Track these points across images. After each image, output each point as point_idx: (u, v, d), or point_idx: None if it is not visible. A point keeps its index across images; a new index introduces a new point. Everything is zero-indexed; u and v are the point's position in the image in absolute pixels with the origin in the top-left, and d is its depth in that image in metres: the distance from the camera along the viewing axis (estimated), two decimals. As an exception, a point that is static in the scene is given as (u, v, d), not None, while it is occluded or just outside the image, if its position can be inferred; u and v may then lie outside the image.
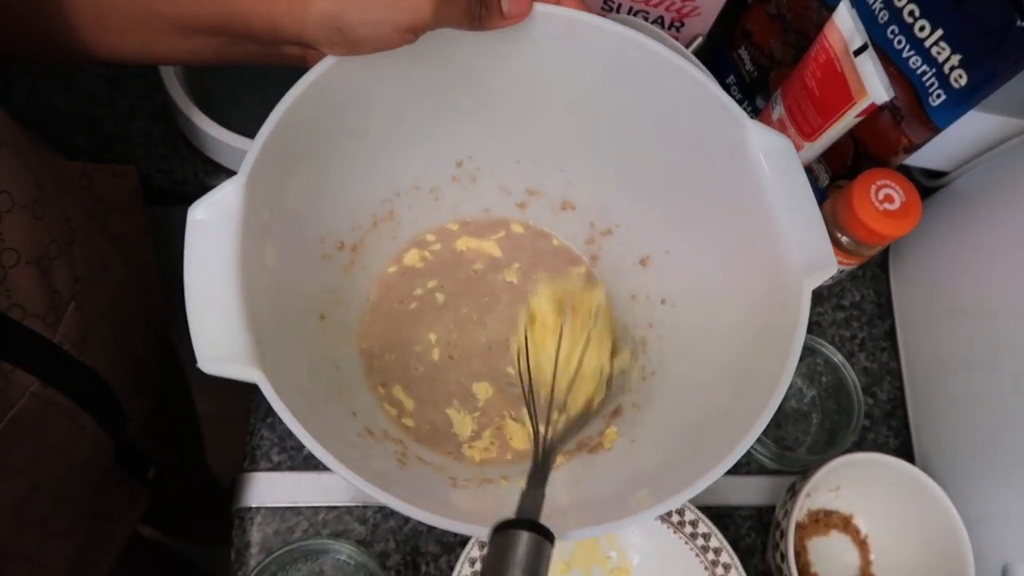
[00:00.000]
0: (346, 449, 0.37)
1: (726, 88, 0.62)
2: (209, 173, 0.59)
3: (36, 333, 0.38)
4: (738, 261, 0.43)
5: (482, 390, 0.49)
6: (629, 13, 0.57)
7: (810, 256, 0.38)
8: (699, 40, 0.57)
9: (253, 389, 0.34)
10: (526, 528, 0.28)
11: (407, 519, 0.51)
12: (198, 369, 0.34)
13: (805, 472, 0.50)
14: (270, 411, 0.52)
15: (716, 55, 0.62)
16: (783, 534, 0.48)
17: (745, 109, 0.49)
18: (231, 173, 0.59)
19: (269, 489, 0.50)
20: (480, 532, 0.32)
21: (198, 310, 0.34)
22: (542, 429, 0.40)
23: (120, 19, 0.38)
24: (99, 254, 0.45)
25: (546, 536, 0.28)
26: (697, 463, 0.38)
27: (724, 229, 0.44)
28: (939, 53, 0.46)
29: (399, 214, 0.51)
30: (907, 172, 0.60)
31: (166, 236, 0.54)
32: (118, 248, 0.49)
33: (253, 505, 0.50)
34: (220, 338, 0.34)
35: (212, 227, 0.36)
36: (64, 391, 0.40)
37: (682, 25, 0.57)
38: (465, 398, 0.49)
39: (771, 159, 0.40)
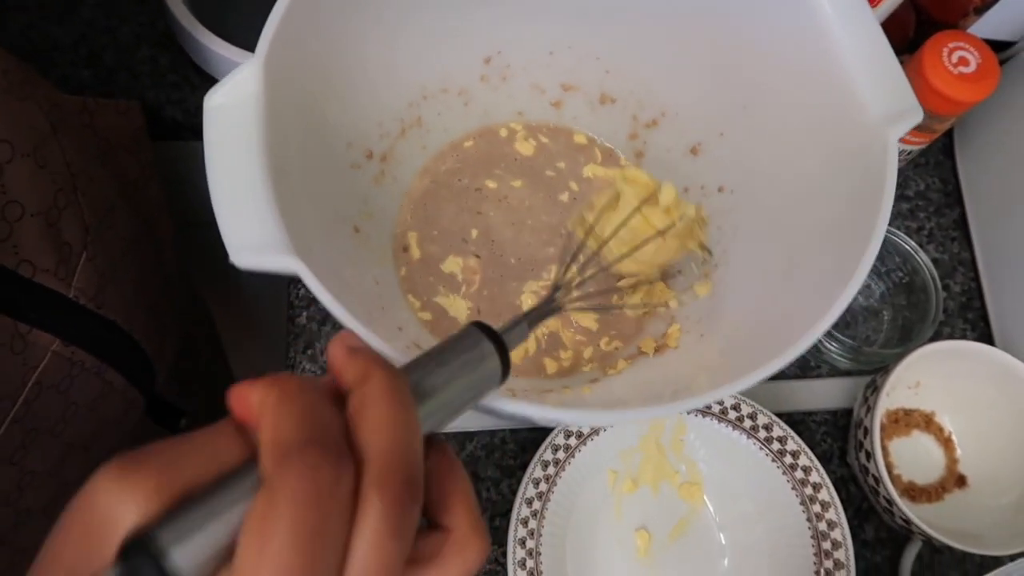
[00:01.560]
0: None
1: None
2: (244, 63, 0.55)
3: (50, 289, 0.35)
4: (805, 125, 0.39)
5: (530, 303, 0.46)
6: None
7: (891, 103, 0.34)
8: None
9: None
10: (488, 336, 0.25)
11: (463, 445, 0.48)
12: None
13: (885, 367, 0.46)
14: (310, 342, 0.49)
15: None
16: (867, 432, 0.44)
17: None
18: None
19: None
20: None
21: (224, 198, 0.31)
22: (567, 272, 0.37)
23: None
24: (105, 198, 0.42)
25: (501, 355, 0.25)
26: (765, 351, 0.34)
27: (786, 92, 0.40)
28: None
29: (427, 120, 0.48)
30: (970, 47, 0.55)
31: (184, 174, 0.50)
32: (124, 190, 0.46)
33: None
34: (252, 226, 0.31)
35: (232, 112, 0.32)
36: (86, 347, 0.38)
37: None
38: (515, 311, 0.46)
39: (839, 5, 0.36)
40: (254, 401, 0.19)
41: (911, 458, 0.49)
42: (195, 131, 0.56)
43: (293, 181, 0.36)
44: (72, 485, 0.24)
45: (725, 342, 0.39)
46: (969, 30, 0.52)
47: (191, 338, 0.57)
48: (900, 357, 0.45)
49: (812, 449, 0.49)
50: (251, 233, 0.31)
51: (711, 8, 0.41)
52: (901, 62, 0.52)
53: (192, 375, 0.58)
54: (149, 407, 0.47)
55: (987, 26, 0.52)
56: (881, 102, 0.34)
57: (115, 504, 0.17)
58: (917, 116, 0.34)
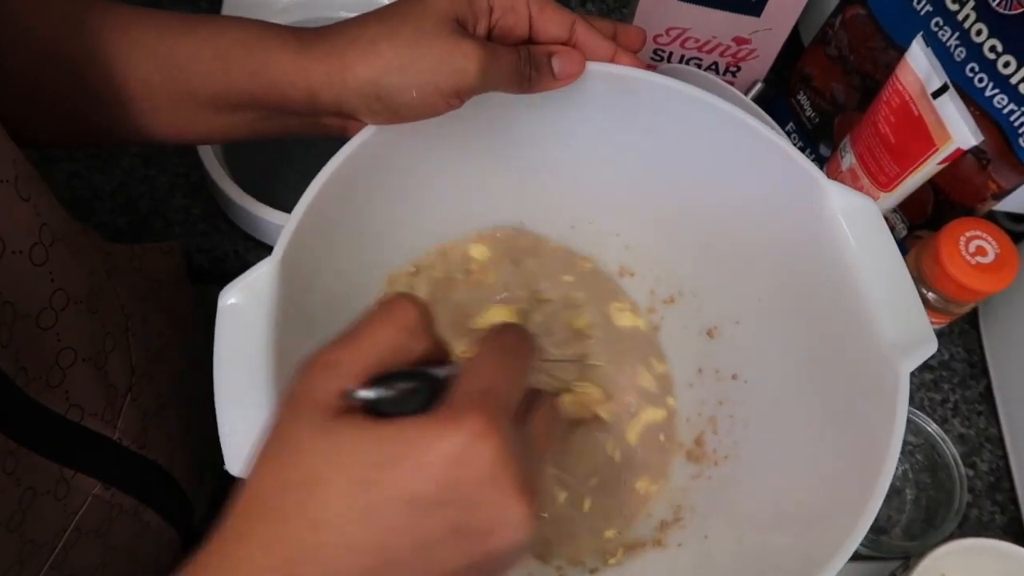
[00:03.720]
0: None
1: (787, 136, 0.59)
2: (250, 250, 0.57)
3: (95, 433, 0.36)
4: (819, 337, 0.39)
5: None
6: (681, 62, 0.55)
7: (906, 333, 0.34)
8: (759, 86, 0.54)
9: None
10: None
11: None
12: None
13: (905, 561, 0.44)
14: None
15: (772, 102, 0.58)
16: (886, 634, 0.42)
17: (808, 157, 0.45)
18: (271, 249, 0.58)
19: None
20: None
21: (227, 407, 0.32)
22: None
23: (160, 99, 0.37)
24: (155, 336, 0.43)
25: None
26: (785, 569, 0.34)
27: (802, 300, 0.40)
28: (1028, 91, 0.42)
29: (439, 293, 0.48)
30: (991, 216, 0.55)
31: (211, 318, 0.52)
32: (174, 326, 0.47)
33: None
34: (251, 440, 0.31)
35: (244, 313, 0.33)
36: (126, 489, 0.38)
37: (738, 70, 0.54)
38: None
39: (854, 222, 0.36)
40: (413, 314, 0.24)
41: (935, 658, 0.46)
42: (220, 277, 0.57)
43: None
44: None
45: (736, 555, 0.38)
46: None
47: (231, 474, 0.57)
48: (924, 551, 0.43)
49: (830, 643, 0.47)
50: (250, 444, 0.31)
51: (732, 206, 0.41)
52: (920, 236, 0.52)
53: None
54: (185, 544, 0.47)
55: (1010, 201, 0.52)
56: (895, 328, 0.34)
57: (324, 390, 0.23)
58: (931, 347, 0.34)
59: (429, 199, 0.43)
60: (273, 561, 0.22)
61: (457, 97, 0.34)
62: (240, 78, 0.35)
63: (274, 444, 0.24)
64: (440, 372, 0.24)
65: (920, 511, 0.50)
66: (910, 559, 0.44)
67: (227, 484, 0.55)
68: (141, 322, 0.41)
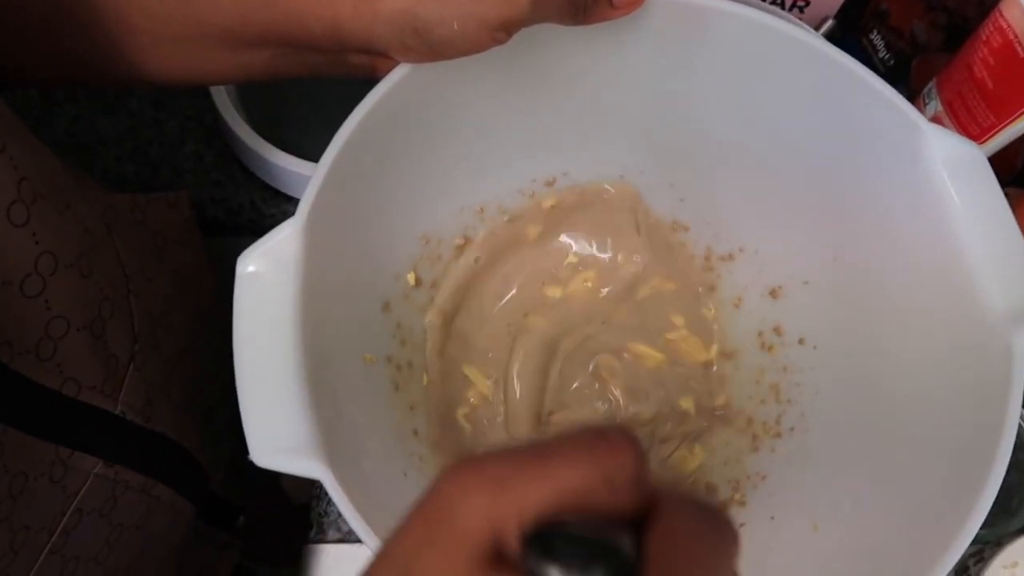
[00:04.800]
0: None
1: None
2: (267, 201, 0.53)
3: (95, 408, 0.32)
4: (910, 301, 0.35)
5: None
6: (741, -5, 0.49)
7: (1019, 302, 0.30)
8: (829, 23, 0.48)
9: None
10: None
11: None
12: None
13: (981, 551, 0.41)
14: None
15: (841, 41, 0.53)
16: (958, 626, 0.39)
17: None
18: (291, 200, 0.54)
19: (336, 565, 0.44)
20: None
21: (250, 390, 0.28)
22: None
23: (163, 33, 0.32)
24: (160, 299, 0.39)
25: None
26: (871, 565, 0.30)
27: (889, 260, 0.35)
28: None
29: (483, 245, 0.44)
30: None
31: (227, 272, 0.48)
32: (181, 286, 0.43)
33: (322, 583, 0.44)
34: (277, 425, 0.28)
35: (266, 283, 0.29)
36: (132, 465, 0.35)
37: (807, 4, 0.49)
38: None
39: (957, 173, 0.32)
40: (625, 460, 0.18)
41: (1005, 647, 0.43)
42: (236, 230, 0.54)
43: (331, 336, 0.33)
44: None
45: (806, 535, 0.34)
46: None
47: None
48: (1000, 540, 0.40)
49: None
50: (276, 432, 0.28)
51: (807, 152, 0.37)
52: (1008, 195, 0.47)
53: (250, 472, 0.56)
54: (201, 512, 0.45)
55: (1104, 153, 0.47)
56: (1006, 295, 0.30)
57: (481, 521, 0.17)
58: (1049, 318, 0.29)
59: (469, 148, 0.39)
60: None
61: (504, 30, 0.29)
62: (254, 7, 0.30)
63: (391, 566, 0.18)
64: (625, 548, 0.17)
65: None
66: (984, 548, 0.41)
67: (245, 448, 0.53)
68: (144, 283, 0.37)
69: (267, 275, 0.29)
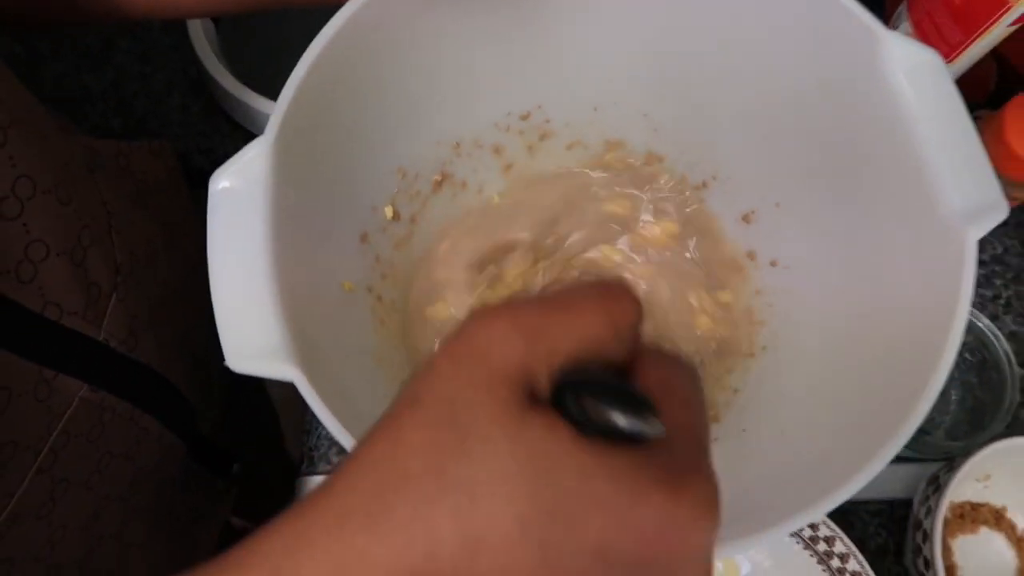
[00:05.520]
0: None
1: None
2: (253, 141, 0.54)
3: (77, 333, 0.34)
4: (873, 208, 0.35)
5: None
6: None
7: (972, 198, 0.30)
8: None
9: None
10: None
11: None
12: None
13: (950, 461, 0.42)
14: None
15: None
16: (926, 536, 0.40)
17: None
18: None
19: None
20: None
21: (225, 297, 0.29)
22: None
23: None
24: (144, 240, 0.40)
25: None
26: (829, 464, 0.31)
27: (853, 170, 0.36)
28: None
29: (459, 178, 0.45)
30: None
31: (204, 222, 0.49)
32: (166, 233, 0.44)
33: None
34: (251, 330, 0.29)
35: (238, 197, 0.30)
36: (117, 392, 0.36)
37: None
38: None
39: (915, 78, 0.32)
40: (630, 312, 0.20)
41: (978, 560, 0.44)
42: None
43: (306, 258, 0.34)
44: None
45: (776, 449, 0.35)
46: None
47: (239, 386, 0.55)
48: (969, 451, 0.41)
49: (864, 543, 0.45)
50: (250, 337, 0.29)
51: (773, 71, 0.37)
52: (980, 117, 0.47)
53: (241, 421, 0.57)
54: (194, 453, 0.46)
55: (1079, 76, 0.47)
56: (961, 193, 0.30)
57: (518, 364, 0.18)
58: (1001, 213, 0.30)
59: (440, 80, 0.40)
60: (399, 564, 0.17)
61: None
62: None
63: (428, 406, 0.18)
64: (638, 393, 0.19)
65: (965, 412, 0.47)
66: (954, 459, 0.42)
67: (236, 392, 0.54)
68: (127, 222, 0.38)
69: (238, 191, 0.30)
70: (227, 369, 0.29)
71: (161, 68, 0.56)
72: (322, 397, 0.29)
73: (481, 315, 0.19)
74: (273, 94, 0.49)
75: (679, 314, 0.45)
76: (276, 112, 0.31)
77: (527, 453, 0.17)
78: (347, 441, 0.28)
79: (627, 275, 0.46)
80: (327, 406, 0.28)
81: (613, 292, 0.19)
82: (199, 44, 0.51)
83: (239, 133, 0.54)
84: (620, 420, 0.17)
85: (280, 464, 0.80)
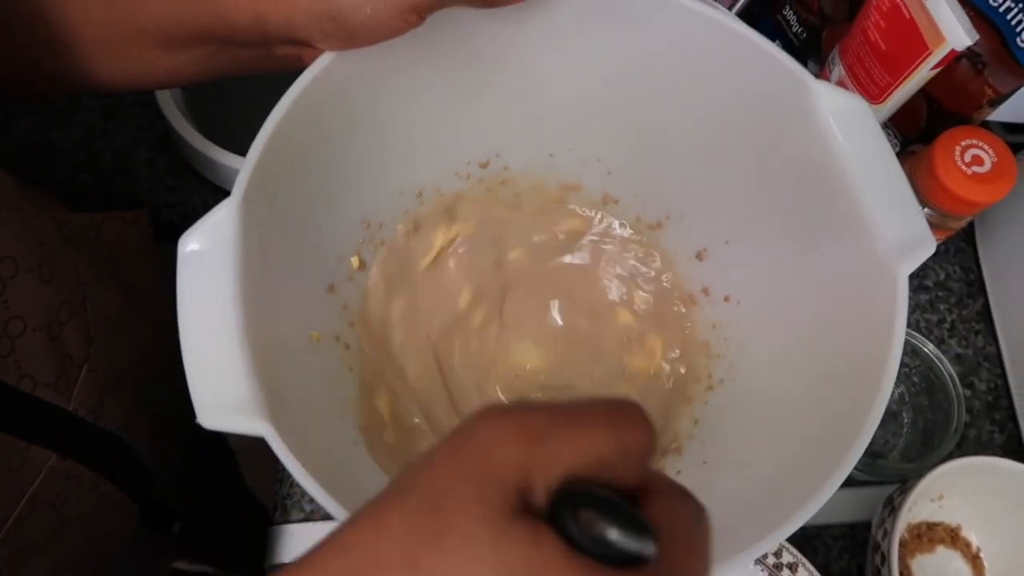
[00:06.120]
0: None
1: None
2: (220, 202, 0.55)
3: (49, 404, 0.34)
4: (813, 247, 0.37)
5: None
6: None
7: (902, 235, 0.32)
8: (742, 1, 0.51)
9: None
10: None
11: None
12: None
13: (903, 483, 0.43)
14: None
15: (757, 19, 0.56)
16: (884, 558, 0.42)
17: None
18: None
19: (303, 543, 0.46)
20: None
21: (195, 355, 0.30)
22: None
23: (104, 36, 0.34)
24: (115, 308, 0.41)
25: None
26: (787, 492, 0.32)
27: (793, 211, 0.38)
28: (1025, -13, 0.40)
29: (424, 226, 0.46)
30: (986, 128, 0.53)
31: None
32: (135, 299, 0.45)
33: (288, 561, 0.45)
34: (221, 386, 0.30)
35: (206, 258, 0.31)
36: (83, 461, 0.37)
37: (721, -15, 0.51)
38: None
39: (844, 123, 0.34)
40: (641, 437, 0.19)
41: (938, 577, 0.46)
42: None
43: (276, 314, 0.35)
44: None
45: (735, 478, 0.37)
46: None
47: (198, 444, 0.56)
48: (921, 473, 0.43)
49: (827, 568, 0.47)
50: (221, 393, 0.30)
51: (717, 119, 0.40)
52: (913, 152, 0.50)
53: (196, 480, 0.57)
54: (146, 515, 0.46)
55: (1006, 110, 0.50)
56: (892, 231, 0.32)
57: (516, 469, 0.17)
58: (929, 249, 0.32)
59: (398, 133, 0.41)
60: None
61: (415, 13, 0.32)
62: (182, 6, 0.33)
63: (415, 495, 0.17)
64: (639, 517, 0.18)
65: (918, 434, 0.49)
66: (907, 481, 0.43)
67: (194, 454, 0.54)
68: (100, 292, 0.39)
69: (207, 252, 0.31)
70: (190, 423, 0.30)
71: (127, 124, 0.57)
72: (292, 450, 0.29)
73: (487, 414, 0.18)
74: (238, 148, 0.51)
75: (639, 346, 0.47)
76: (242, 174, 0.33)
77: (507, 561, 0.16)
78: (316, 492, 0.29)
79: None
80: (297, 458, 0.29)
81: (626, 413, 0.19)
82: (163, 100, 0.52)
83: (206, 187, 0.55)
84: (613, 534, 0.17)
85: (251, 513, 0.79)
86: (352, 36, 0.32)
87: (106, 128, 0.57)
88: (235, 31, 0.33)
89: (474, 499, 0.17)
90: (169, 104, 0.53)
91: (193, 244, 0.32)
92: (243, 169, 0.33)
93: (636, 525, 0.17)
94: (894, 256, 0.32)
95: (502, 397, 0.45)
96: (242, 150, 0.50)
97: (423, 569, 0.16)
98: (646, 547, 0.17)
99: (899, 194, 0.33)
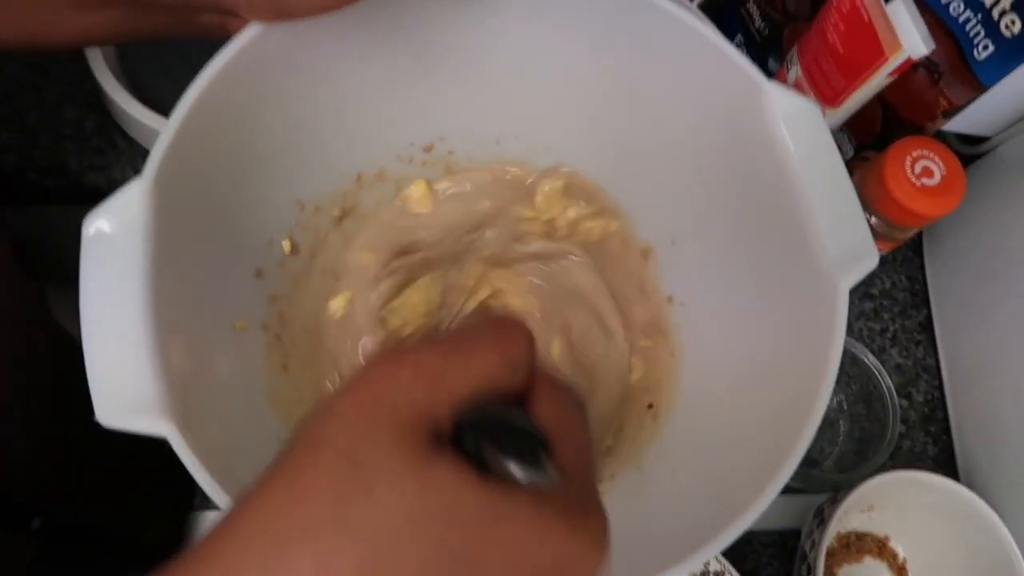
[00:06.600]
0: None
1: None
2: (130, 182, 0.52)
3: None
4: (756, 252, 0.36)
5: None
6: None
7: (845, 247, 0.32)
8: (704, -7, 0.50)
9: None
10: None
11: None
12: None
13: (835, 495, 0.43)
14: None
15: (721, 12, 0.54)
16: (811, 568, 0.42)
17: (756, 71, 0.41)
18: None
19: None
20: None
21: (95, 346, 0.28)
22: None
23: None
24: None
25: None
26: (722, 499, 0.32)
27: (738, 215, 0.37)
28: (986, -2, 0.39)
29: (361, 209, 0.44)
30: (942, 138, 0.52)
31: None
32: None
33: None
34: (122, 383, 0.28)
35: (113, 241, 0.29)
36: None
37: (682, -23, 0.50)
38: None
39: (794, 128, 0.33)
40: (523, 348, 0.21)
41: (862, 585, 0.46)
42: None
43: (190, 301, 0.33)
44: None
45: (670, 485, 0.36)
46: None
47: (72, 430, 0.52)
48: (852, 485, 0.43)
49: (756, 574, 0.47)
50: (122, 389, 0.28)
51: (668, 115, 0.38)
52: (866, 158, 0.49)
53: (75, 468, 0.54)
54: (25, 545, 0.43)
55: (961, 121, 0.50)
56: (835, 242, 0.32)
57: (422, 408, 0.18)
58: (872, 261, 0.31)
59: (334, 110, 0.39)
60: None
61: None
62: None
63: (330, 452, 0.17)
64: (528, 422, 0.20)
65: (853, 443, 0.49)
66: (838, 492, 0.43)
67: (73, 487, 0.49)
68: None
69: (114, 235, 0.29)
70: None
71: (56, 81, 0.54)
72: (199, 451, 0.28)
73: (382, 361, 0.19)
74: (169, 111, 0.48)
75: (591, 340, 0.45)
76: (155, 151, 0.30)
77: (435, 495, 0.17)
78: (222, 500, 0.27)
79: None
80: (202, 462, 0.27)
81: (507, 329, 0.20)
82: (93, 58, 0.49)
83: (136, 150, 0.53)
84: (519, 472, 0.18)
85: (169, 497, 0.76)
86: (281, 9, 0.30)
87: (34, 83, 0.53)
88: None
89: (392, 445, 0.17)
90: (99, 61, 0.49)
91: (98, 225, 0.29)
92: (156, 146, 0.30)
93: (533, 447, 0.19)
94: (836, 267, 0.31)
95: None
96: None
97: (354, 522, 0.16)
98: (547, 477, 0.19)
99: (845, 205, 0.32)
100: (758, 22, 0.53)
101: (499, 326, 0.21)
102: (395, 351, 0.19)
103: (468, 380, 0.19)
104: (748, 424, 0.35)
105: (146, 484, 0.65)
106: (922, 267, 0.54)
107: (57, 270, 0.68)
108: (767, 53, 0.53)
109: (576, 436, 0.20)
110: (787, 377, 0.33)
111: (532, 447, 0.19)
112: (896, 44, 0.39)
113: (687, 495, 0.35)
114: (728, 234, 0.39)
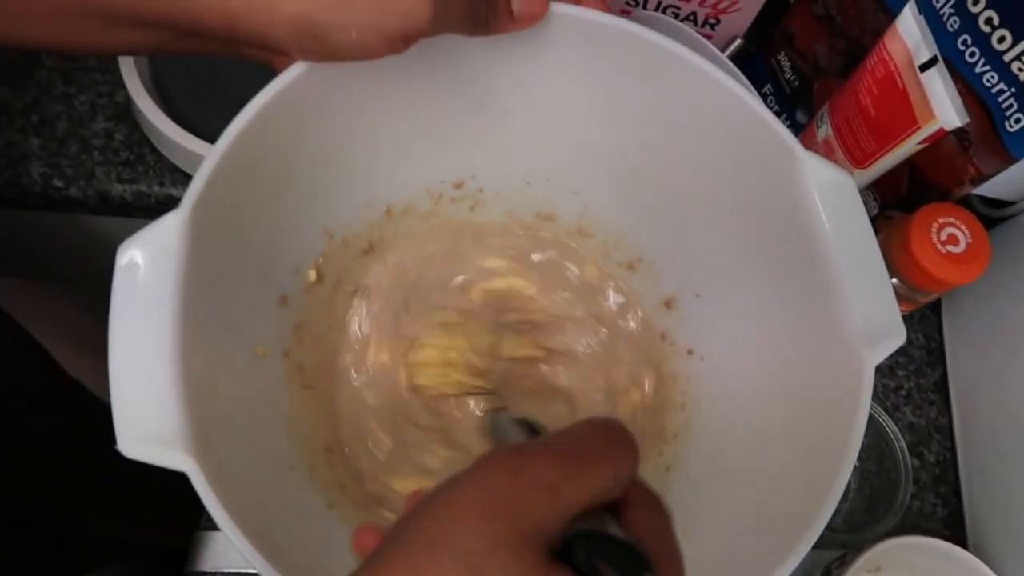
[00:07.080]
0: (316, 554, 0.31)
1: (763, 98, 0.55)
2: (178, 184, 0.52)
3: None
4: (782, 318, 0.36)
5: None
6: (658, 9, 0.50)
7: (874, 324, 0.32)
8: (738, 43, 0.50)
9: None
10: None
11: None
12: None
13: (844, 556, 0.43)
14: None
15: (751, 60, 0.55)
16: (819, 627, 0.41)
17: (784, 123, 0.41)
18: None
19: (225, 552, 0.44)
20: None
21: (121, 376, 0.28)
22: None
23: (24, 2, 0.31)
24: None
25: None
26: (738, 566, 0.32)
27: (766, 278, 0.37)
28: (1021, 70, 0.39)
29: (390, 242, 0.44)
30: (965, 200, 0.53)
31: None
32: None
33: (207, 570, 0.44)
34: (145, 414, 0.28)
35: (145, 273, 0.29)
36: None
37: (717, 23, 0.50)
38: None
39: (828, 199, 0.33)
40: (634, 464, 0.21)
41: (866, 647, 0.46)
42: (145, 211, 0.53)
43: (217, 329, 0.33)
44: None
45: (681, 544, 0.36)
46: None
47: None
48: (861, 547, 0.42)
49: (762, 629, 0.46)
50: (146, 420, 0.28)
51: (699, 171, 0.39)
52: (891, 217, 0.50)
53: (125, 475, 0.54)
54: None
55: (987, 185, 0.50)
56: (864, 317, 0.32)
57: (539, 522, 0.19)
58: (899, 339, 0.31)
59: (371, 146, 0.39)
60: None
61: (403, 41, 0.30)
62: None
63: (449, 555, 0.18)
64: (640, 553, 0.20)
65: (863, 500, 0.49)
66: (847, 553, 0.43)
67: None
68: None
69: (147, 266, 0.29)
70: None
71: (86, 90, 0.54)
72: (216, 484, 0.28)
73: (502, 462, 0.20)
74: (200, 130, 0.48)
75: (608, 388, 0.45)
76: (195, 184, 0.30)
77: None
78: (235, 535, 0.27)
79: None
80: (218, 496, 0.27)
81: (622, 444, 0.21)
82: (127, 71, 0.50)
83: (164, 165, 0.53)
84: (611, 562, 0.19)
85: (172, 515, 0.76)
86: (331, 53, 0.30)
87: (65, 92, 0.53)
88: (200, 26, 0.30)
89: (511, 559, 0.18)
90: (132, 74, 0.50)
91: (131, 255, 0.29)
92: (195, 179, 0.31)
93: (639, 566, 0.19)
94: (863, 344, 0.31)
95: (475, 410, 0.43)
96: (206, 132, 0.49)
97: None
98: None
99: (876, 281, 0.32)
100: (788, 74, 0.53)
101: (615, 439, 0.21)
102: (515, 453, 0.20)
103: (584, 495, 0.20)
104: (765, 490, 0.35)
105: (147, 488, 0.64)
106: (939, 326, 0.54)
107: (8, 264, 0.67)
108: (795, 105, 0.53)
109: (672, 551, 0.21)
110: (809, 445, 0.33)
111: (639, 567, 0.19)
112: (929, 114, 0.39)
113: (701, 560, 0.35)
114: (753, 294, 0.39)
